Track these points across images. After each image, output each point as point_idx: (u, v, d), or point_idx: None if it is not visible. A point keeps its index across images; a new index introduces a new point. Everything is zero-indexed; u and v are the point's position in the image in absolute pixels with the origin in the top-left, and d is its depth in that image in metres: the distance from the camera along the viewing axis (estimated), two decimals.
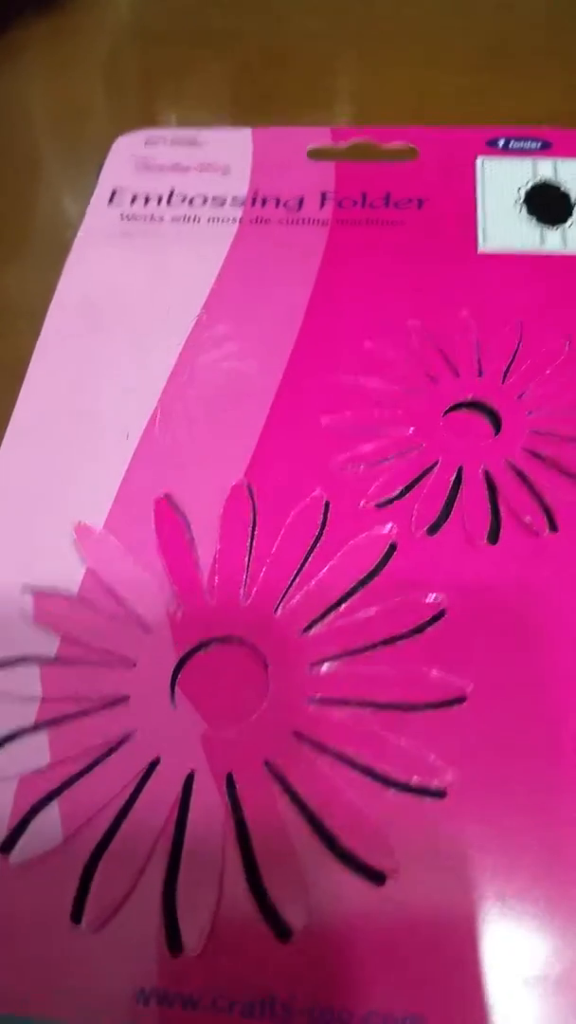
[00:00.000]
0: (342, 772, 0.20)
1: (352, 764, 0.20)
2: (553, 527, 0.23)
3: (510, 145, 0.33)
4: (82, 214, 0.32)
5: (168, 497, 0.25)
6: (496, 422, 0.26)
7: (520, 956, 0.18)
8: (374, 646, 0.22)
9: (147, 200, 0.33)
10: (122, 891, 0.19)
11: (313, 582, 0.23)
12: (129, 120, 0.39)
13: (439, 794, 0.20)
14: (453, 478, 0.25)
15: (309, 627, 0.22)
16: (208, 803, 0.20)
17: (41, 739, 0.21)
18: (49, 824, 0.20)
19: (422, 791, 0.20)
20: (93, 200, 0.33)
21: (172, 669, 0.22)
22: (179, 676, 0.22)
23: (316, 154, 0.34)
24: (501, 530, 0.24)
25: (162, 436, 0.26)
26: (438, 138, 0.33)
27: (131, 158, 0.34)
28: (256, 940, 0.19)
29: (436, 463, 0.25)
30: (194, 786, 0.20)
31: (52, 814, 0.20)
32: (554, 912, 0.19)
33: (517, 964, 0.18)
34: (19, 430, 0.27)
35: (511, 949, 0.18)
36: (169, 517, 0.25)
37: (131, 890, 0.19)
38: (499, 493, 0.24)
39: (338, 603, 0.23)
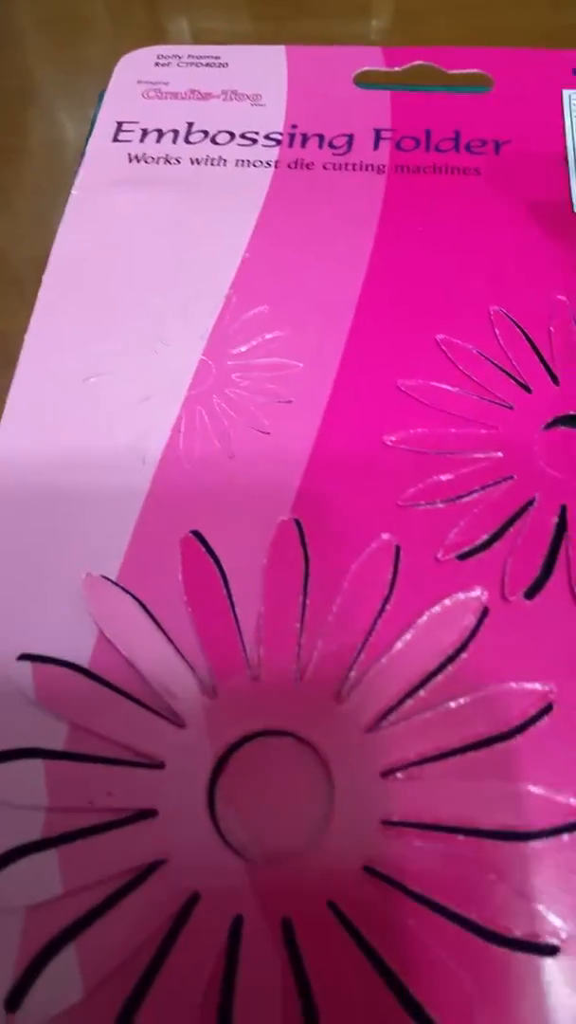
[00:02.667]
0: (428, 920, 0.16)
1: (441, 910, 0.16)
2: None
3: None
4: (81, 154, 0.26)
5: (197, 536, 0.20)
6: None
7: None
8: (463, 750, 0.18)
9: (160, 136, 0.27)
10: None
11: (384, 659, 0.18)
12: (134, 33, 0.32)
13: (550, 951, 0.16)
14: (556, 521, 0.20)
15: (380, 720, 0.18)
16: (261, 956, 0.16)
17: (50, 860, 0.17)
18: (66, 973, 0.16)
19: (529, 947, 0.16)
20: (94, 136, 0.26)
21: (209, 774, 0.18)
22: (218, 783, 0.18)
23: (366, 79, 0.27)
24: None
25: (187, 456, 0.21)
26: (516, 63, 0.27)
27: (139, 83, 0.28)
28: None
29: (533, 500, 0.20)
30: (243, 932, 0.16)
31: (69, 960, 0.16)
32: None
33: None
34: (9, 457, 0.21)
35: None
36: (199, 564, 0.20)
37: None
38: None
39: (415, 689, 0.18)
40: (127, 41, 0.29)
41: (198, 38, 0.36)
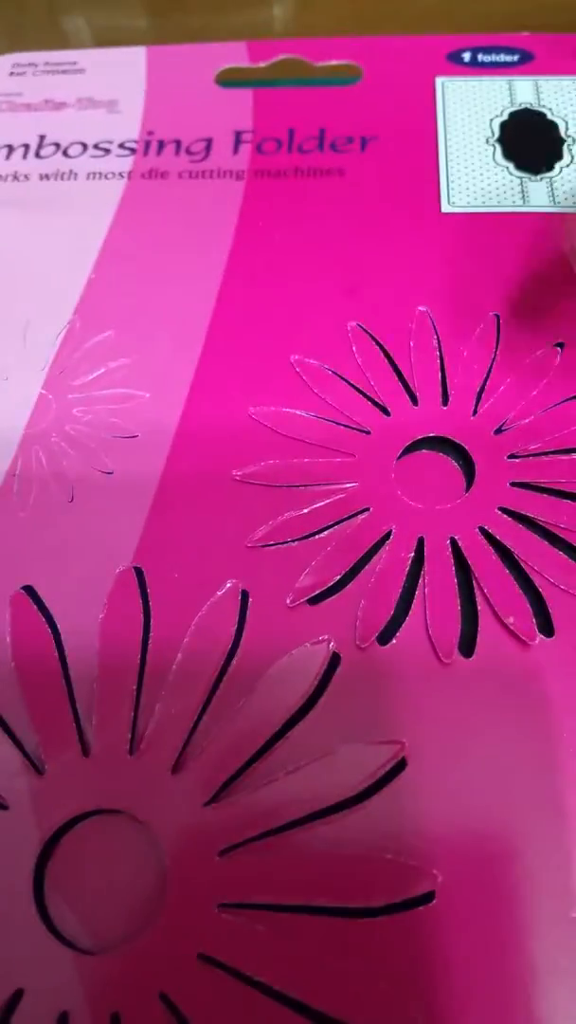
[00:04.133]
0: (270, 1011, 0.15)
1: (284, 1000, 0.15)
2: (547, 630, 0.17)
3: (478, 59, 0.25)
4: None
5: (29, 592, 0.18)
6: (468, 468, 0.19)
7: None
8: (306, 820, 0.16)
9: (10, 151, 0.25)
10: None
11: (225, 724, 0.17)
12: (32, 33, 0.30)
13: None
14: (412, 556, 0.18)
15: (219, 793, 0.16)
16: None
17: None
18: None
19: None
20: None
21: (35, 859, 0.16)
22: (46, 869, 0.16)
23: (229, 78, 0.26)
24: (478, 636, 0.17)
25: (21, 505, 0.19)
26: (386, 51, 0.25)
27: None
28: None
29: (389, 534, 0.19)
30: None
31: None
32: None
33: None
34: None
35: None
36: (31, 622, 0.18)
37: None
38: (474, 578, 0.18)
39: (258, 755, 0.17)
40: (24, 42, 0.27)
41: (98, 36, 0.34)
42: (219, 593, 0.18)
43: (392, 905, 0.16)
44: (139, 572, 0.19)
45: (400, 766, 0.17)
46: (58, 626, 0.18)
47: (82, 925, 0.16)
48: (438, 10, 0.31)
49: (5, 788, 0.17)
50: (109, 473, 0.20)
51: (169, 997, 0.15)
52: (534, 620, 0.18)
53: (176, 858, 0.16)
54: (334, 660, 0.18)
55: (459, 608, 0.18)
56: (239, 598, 0.18)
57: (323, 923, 0.16)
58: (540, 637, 0.17)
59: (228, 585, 0.18)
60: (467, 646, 0.17)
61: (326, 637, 0.18)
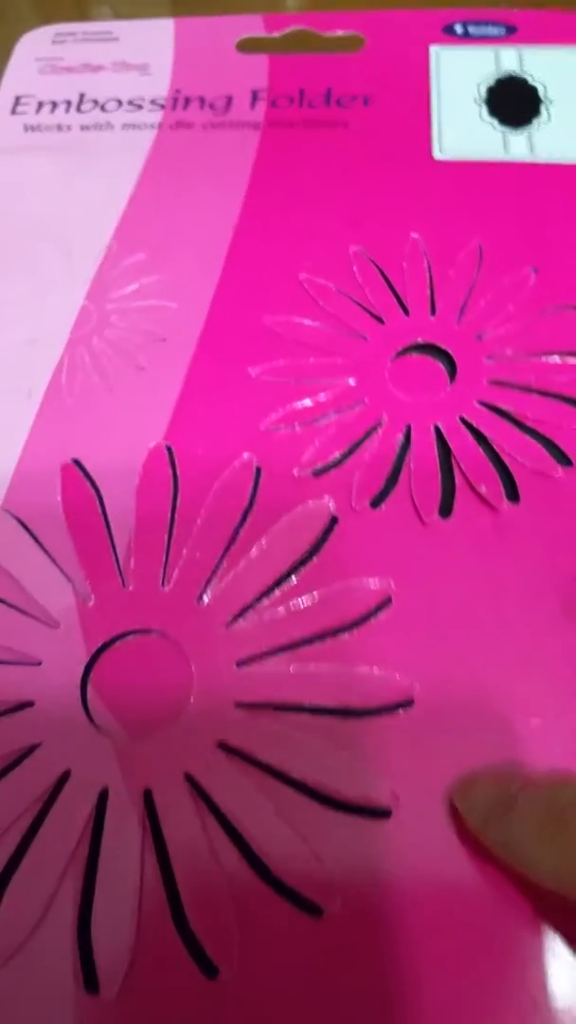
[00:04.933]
0: (274, 789, 0.18)
1: (285, 779, 0.18)
2: (514, 497, 0.21)
3: (469, 31, 0.29)
4: None
5: (77, 464, 0.22)
6: (451, 368, 0.23)
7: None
8: (309, 641, 0.19)
9: (54, 107, 0.28)
10: (31, 921, 0.17)
11: (242, 564, 0.20)
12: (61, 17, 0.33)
13: (383, 813, 0.18)
14: (400, 439, 0.22)
15: (237, 618, 0.20)
16: (125, 822, 0.18)
17: None
18: None
19: (363, 810, 0.18)
20: None
21: (83, 668, 0.19)
22: (90, 676, 0.20)
23: (247, 46, 0.29)
24: (455, 502, 0.21)
25: (69, 393, 0.23)
26: (387, 24, 0.29)
27: (37, 60, 0.29)
28: (180, 979, 0.17)
29: (381, 422, 0.22)
30: (109, 803, 0.18)
31: None
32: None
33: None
34: None
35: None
36: (78, 487, 0.22)
37: (40, 920, 0.17)
38: (453, 457, 0.21)
39: (270, 590, 0.20)
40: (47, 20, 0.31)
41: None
42: (235, 464, 0.22)
43: (379, 708, 0.19)
44: (168, 448, 0.22)
45: (386, 602, 0.20)
46: (100, 490, 0.21)
47: (120, 722, 0.19)
48: None
49: (57, 611, 0.20)
50: (143, 369, 0.23)
51: (193, 776, 0.18)
52: (503, 489, 0.21)
53: (200, 667, 0.19)
54: (333, 519, 0.21)
55: (439, 479, 0.21)
56: (254, 470, 0.21)
57: (320, 720, 0.19)
58: (507, 503, 0.21)
59: (244, 457, 0.22)
60: (446, 510, 0.21)
61: (328, 497, 0.21)
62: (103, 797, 0.18)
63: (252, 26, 0.29)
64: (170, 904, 0.17)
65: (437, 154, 0.26)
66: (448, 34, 0.29)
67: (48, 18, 0.37)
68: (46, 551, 0.21)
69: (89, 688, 0.19)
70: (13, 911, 0.17)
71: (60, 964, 0.17)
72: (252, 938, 0.17)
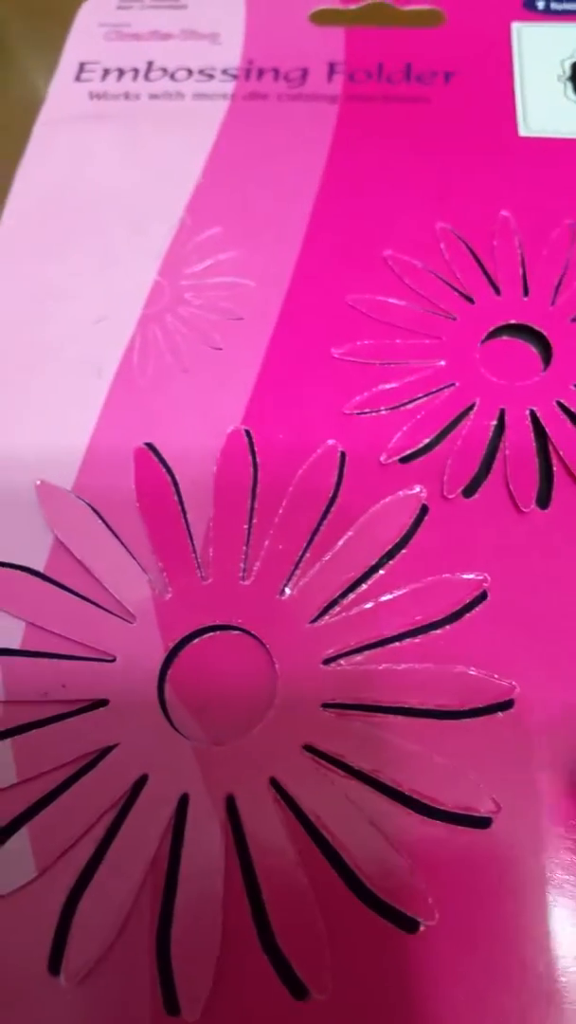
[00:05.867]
0: (366, 795, 0.17)
1: (377, 786, 0.17)
2: None
3: (551, 7, 0.28)
4: (44, 93, 0.27)
5: (151, 448, 0.21)
6: (546, 352, 0.21)
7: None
8: (400, 637, 0.18)
9: (121, 74, 0.27)
10: (108, 937, 0.16)
11: (327, 556, 0.19)
12: None
13: (483, 822, 0.17)
14: (494, 424, 0.20)
15: (322, 613, 0.18)
16: (206, 831, 0.17)
17: (4, 751, 0.18)
18: (19, 854, 0.17)
19: (463, 819, 0.17)
20: (57, 76, 0.27)
21: (159, 666, 0.18)
22: (168, 674, 0.18)
23: (321, 17, 0.28)
24: (553, 491, 0.19)
25: (141, 373, 0.22)
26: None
27: (101, 26, 0.28)
28: (267, 1000, 0.15)
29: (473, 405, 0.21)
30: (189, 810, 0.17)
31: (22, 842, 0.17)
32: None
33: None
34: None
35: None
36: (152, 473, 0.20)
37: (118, 936, 0.16)
38: (551, 443, 0.20)
39: (357, 583, 0.19)
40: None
41: None
42: (319, 451, 0.20)
43: (475, 709, 0.18)
44: (247, 433, 0.21)
45: (482, 597, 0.19)
46: (175, 476, 0.20)
47: (199, 723, 0.18)
48: None
49: (133, 605, 0.19)
50: (219, 349, 0.22)
51: (278, 781, 0.17)
52: None
53: (284, 665, 0.18)
54: (423, 509, 0.20)
55: (536, 466, 0.20)
56: (338, 456, 0.20)
57: (412, 722, 0.17)
58: None
59: (329, 443, 0.20)
60: (543, 499, 0.19)
61: (419, 486, 0.20)
62: (183, 803, 0.17)
63: None
64: (255, 920, 0.16)
65: (523, 131, 0.25)
66: (530, 10, 0.28)
67: None
68: (120, 540, 0.19)
69: (167, 687, 0.18)
70: (89, 926, 0.16)
71: (139, 983, 0.16)
72: (344, 956, 0.16)
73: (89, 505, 0.20)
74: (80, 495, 0.20)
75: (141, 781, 0.17)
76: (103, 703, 0.18)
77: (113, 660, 0.18)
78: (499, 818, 0.17)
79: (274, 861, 0.16)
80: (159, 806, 0.17)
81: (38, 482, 0.20)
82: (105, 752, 0.18)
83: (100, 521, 0.20)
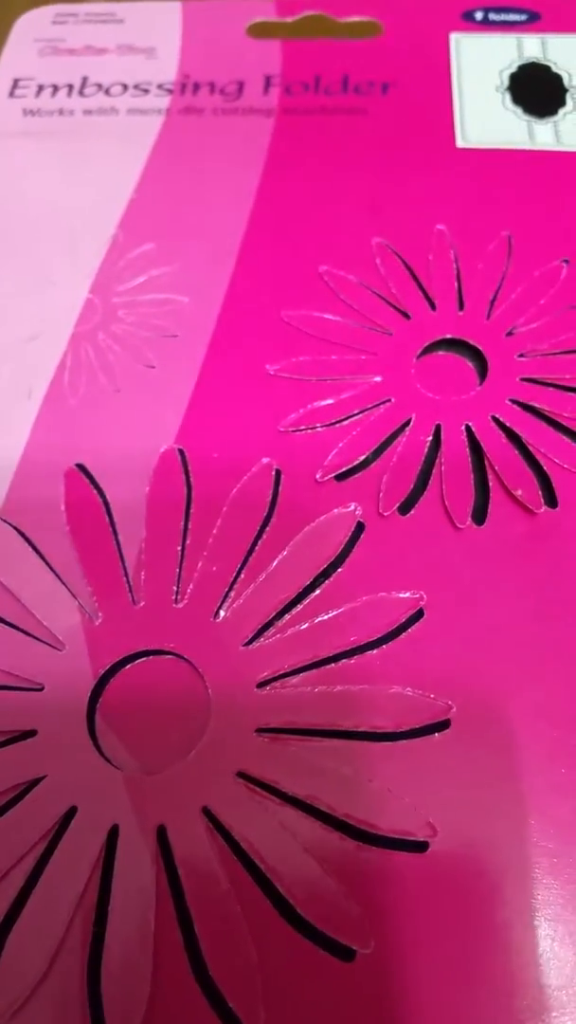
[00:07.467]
0: (300, 822, 0.16)
1: (312, 812, 0.17)
2: (551, 502, 0.19)
3: (489, 18, 0.28)
4: None
5: (81, 468, 0.20)
6: (481, 366, 0.21)
7: None
8: (336, 658, 0.18)
9: (55, 90, 0.27)
10: (36, 973, 0.15)
11: (262, 577, 0.19)
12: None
13: (419, 847, 0.16)
14: (429, 440, 0.20)
15: (257, 636, 0.18)
16: (136, 863, 0.16)
17: None
18: None
19: (398, 844, 0.16)
20: None
21: (89, 693, 0.18)
22: (98, 702, 0.18)
23: (259, 30, 0.28)
24: (489, 507, 0.19)
25: (73, 392, 0.21)
26: (405, 9, 0.28)
27: (35, 41, 0.28)
28: None
29: (409, 421, 0.20)
30: (119, 841, 0.16)
31: None
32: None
33: None
34: None
35: None
36: (83, 494, 0.20)
37: (47, 973, 0.15)
38: (486, 458, 0.20)
39: (292, 604, 0.18)
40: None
41: None
42: (254, 470, 0.20)
43: (412, 731, 0.17)
44: (181, 452, 0.20)
45: (418, 615, 0.18)
46: (107, 497, 0.20)
47: (130, 751, 0.17)
48: None
49: (62, 632, 0.18)
50: (152, 367, 0.22)
51: (211, 810, 0.17)
52: (540, 492, 0.19)
53: (217, 689, 0.18)
54: (359, 526, 0.19)
55: (472, 482, 0.20)
56: (273, 474, 0.20)
57: (347, 745, 0.17)
58: (545, 507, 0.19)
59: (264, 461, 0.20)
60: (479, 515, 0.19)
61: (354, 504, 0.19)
62: (113, 834, 0.17)
63: (263, 10, 0.28)
64: (188, 951, 0.16)
65: (460, 142, 0.25)
66: (468, 21, 0.28)
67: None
68: (48, 564, 0.19)
69: (97, 715, 0.18)
70: (17, 960, 0.16)
71: (70, 1018, 0.15)
72: (277, 986, 0.15)
73: (16, 528, 0.19)
74: (7, 518, 0.20)
75: (70, 812, 0.17)
76: (31, 733, 0.18)
77: (41, 688, 0.18)
78: (436, 842, 0.16)
79: (206, 891, 0.16)
80: (88, 838, 0.17)
81: None
82: (33, 784, 0.17)
83: (28, 545, 0.19)
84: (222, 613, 0.19)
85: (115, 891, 0.16)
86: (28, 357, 0.22)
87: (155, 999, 0.15)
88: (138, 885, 0.16)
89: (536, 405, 0.20)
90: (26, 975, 0.16)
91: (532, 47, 0.27)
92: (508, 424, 0.20)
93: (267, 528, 0.19)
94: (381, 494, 0.19)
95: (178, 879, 0.16)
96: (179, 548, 0.19)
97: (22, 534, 0.19)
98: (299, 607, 0.18)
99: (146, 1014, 0.15)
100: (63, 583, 0.19)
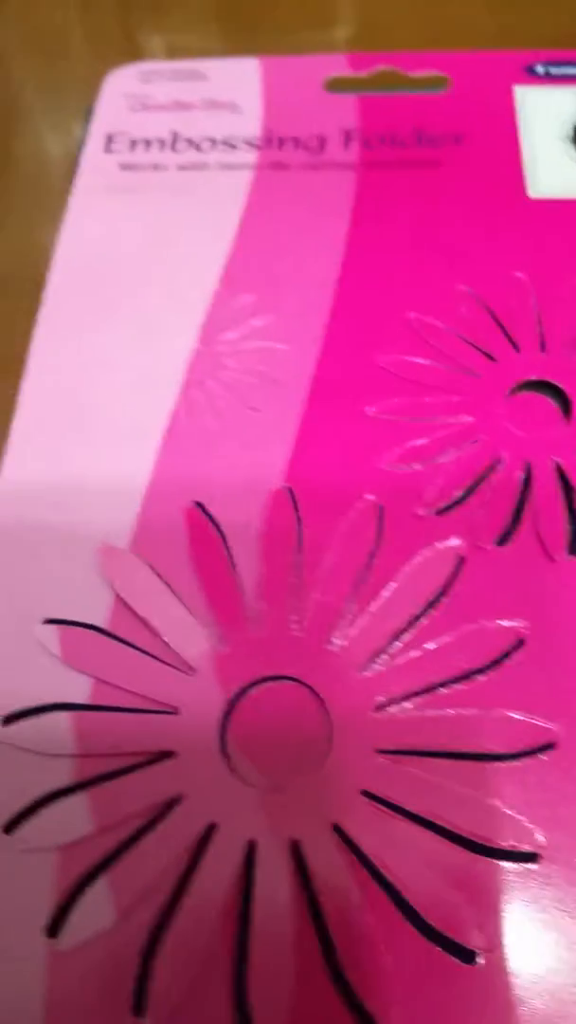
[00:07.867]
0: (420, 836, 0.18)
1: (432, 827, 0.18)
2: None
3: (550, 71, 0.29)
4: (73, 166, 0.28)
5: (200, 507, 0.22)
6: (566, 404, 0.23)
7: None
8: (445, 684, 0.19)
9: (148, 145, 0.29)
10: (188, 977, 0.17)
11: (372, 607, 0.20)
12: (111, 51, 0.34)
13: (530, 858, 0.18)
14: (521, 476, 0.22)
15: (370, 662, 0.20)
16: (275, 876, 0.18)
17: (80, 802, 0.19)
18: (99, 902, 0.18)
19: (511, 855, 0.18)
20: (88, 148, 0.28)
21: (220, 716, 0.19)
22: (228, 724, 0.19)
23: (334, 85, 0.29)
24: None
25: (187, 435, 0.23)
26: (470, 64, 0.29)
27: (125, 97, 0.30)
28: None
29: (500, 459, 0.22)
30: (257, 855, 0.18)
31: (101, 890, 0.18)
32: None
33: None
34: (24, 437, 0.23)
35: None
36: (203, 531, 0.22)
37: (198, 976, 0.17)
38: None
39: (402, 632, 0.20)
40: (105, 59, 0.31)
41: (172, 55, 0.37)
42: (359, 506, 0.22)
43: (520, 752, 0.19)
44: (290, 490, 0.22)
45: (519, 643, 0.20)
46: (225, 534, 0.22)
47: (261, 771, 0.19)
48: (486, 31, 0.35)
49: (192, 658, 0.20)
50: (258, 411, 0.23)
51: (340, 826, 0.18)
52: None
53: (338, 713, 0.19)
54: (460, 559, 0.21)
55: (564, 515, 0.21)
56: (377, 510, 0.22)
57: (463, 765, 0.19)
58: None
59: (368, 498, 0.22)
60: (574, 547, 0.21)
61: (455, 538, 0.21)
62: (251, 850, 0.18)
63: (337, 66, 0.30)
64: (326, 959, 0.17)
65: (531, 192, 0.26)
66: (531, 74, 0.29)
67: (99, 51, 0.38)
68: (177, 596, 0.21)
69: (228, 736, 0.19)
70: (168, 973, 0.17)
71: (219, 1021, 0.17)
72: (410, 988, 0.17)
73: (148, 564, 0.21)
74: (140, 555, 0.21)
75: (209, 829, 0.18)
76: (169, 754, 0.19)
77: (176, 712, 0.20)
78: (547, 853, 0.18)
79: (341, 901, 0.17)
80: (229, 853, 0.18)
81: (99, 544, 0.21)
82: (173, 802, 0.19)
83: (158, 579, 0.21)
84: (336, 641, 0.20)
85: (256, 903, 0.18)
86: (142, 403, 0.23)
87: (297, 1005, 0.17)
88: (278, 897, 0.18)
89: None
90: (180, 978, 0.17)
91: None
92: None
93: (374, 560, 0.21)
94: (478, 527, 0.21)
95: (314, 891, 0.18)
96: (294, 580, 0.21)
97: (153, 569, 0.21)
98: (408, 635, 0.20)
99: (289, 1019, 0.16)
100: (191, 614, 0.20)
